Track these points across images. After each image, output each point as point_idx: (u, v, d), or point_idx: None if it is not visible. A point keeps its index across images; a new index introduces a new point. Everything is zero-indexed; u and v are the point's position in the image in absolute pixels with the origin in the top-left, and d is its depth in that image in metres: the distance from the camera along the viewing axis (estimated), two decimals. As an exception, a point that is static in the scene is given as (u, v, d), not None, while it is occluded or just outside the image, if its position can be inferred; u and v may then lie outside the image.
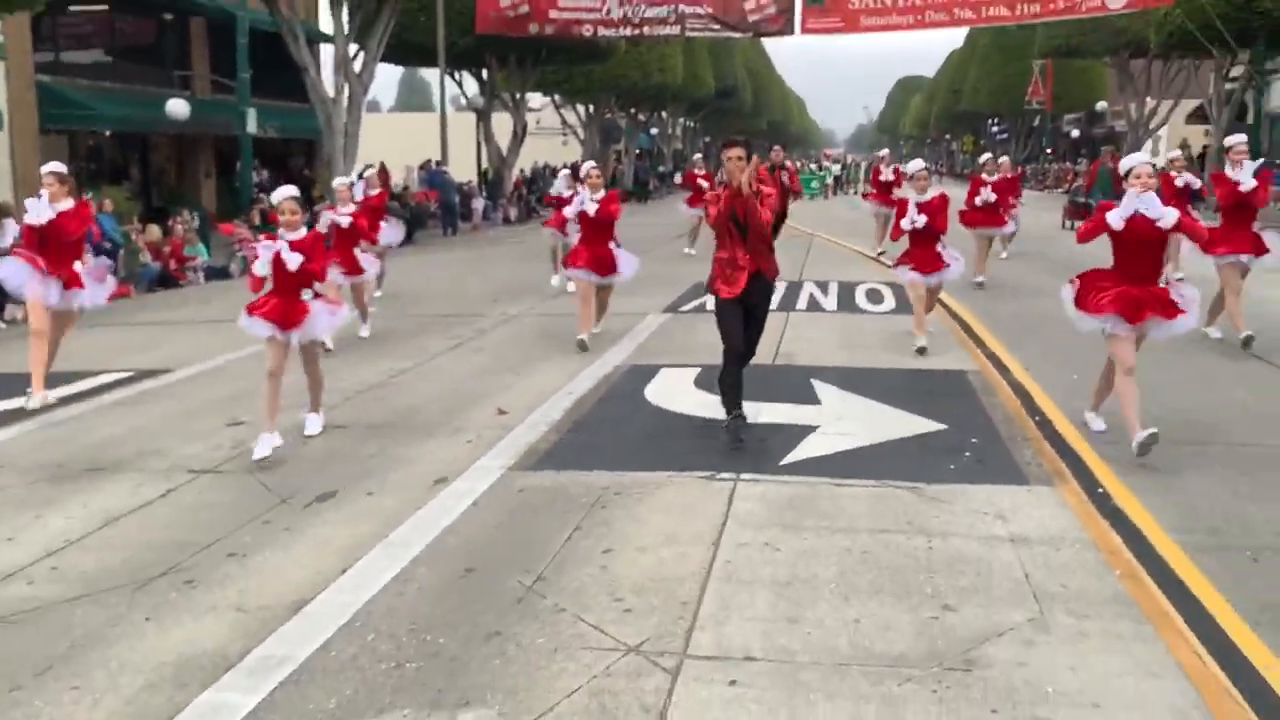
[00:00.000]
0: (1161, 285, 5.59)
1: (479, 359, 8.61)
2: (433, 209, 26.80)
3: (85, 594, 4.06)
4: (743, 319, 5.86)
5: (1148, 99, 34.91)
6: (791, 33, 26.48)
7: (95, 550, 4.53)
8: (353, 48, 22.24)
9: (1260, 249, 8.16)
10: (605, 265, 8.83)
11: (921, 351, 8.15)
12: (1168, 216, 5.33)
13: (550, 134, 45.16)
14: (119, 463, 5.82)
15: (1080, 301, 5.64)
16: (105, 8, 23.33)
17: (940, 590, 3.87)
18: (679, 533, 4.50)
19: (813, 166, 46.07)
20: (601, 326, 9.16)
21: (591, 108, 40.25)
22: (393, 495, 5.13)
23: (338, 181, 10.21)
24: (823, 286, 12.36)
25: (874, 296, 11.60)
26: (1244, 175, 8.18)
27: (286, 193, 6.13)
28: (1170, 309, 5.49)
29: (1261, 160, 9.31)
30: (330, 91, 22.12)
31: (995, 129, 65.81)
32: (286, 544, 4.54)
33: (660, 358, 8.29)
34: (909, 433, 6.02)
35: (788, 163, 12.41)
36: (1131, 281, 5.49)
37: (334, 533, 4.66)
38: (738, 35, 29.76)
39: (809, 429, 6.10)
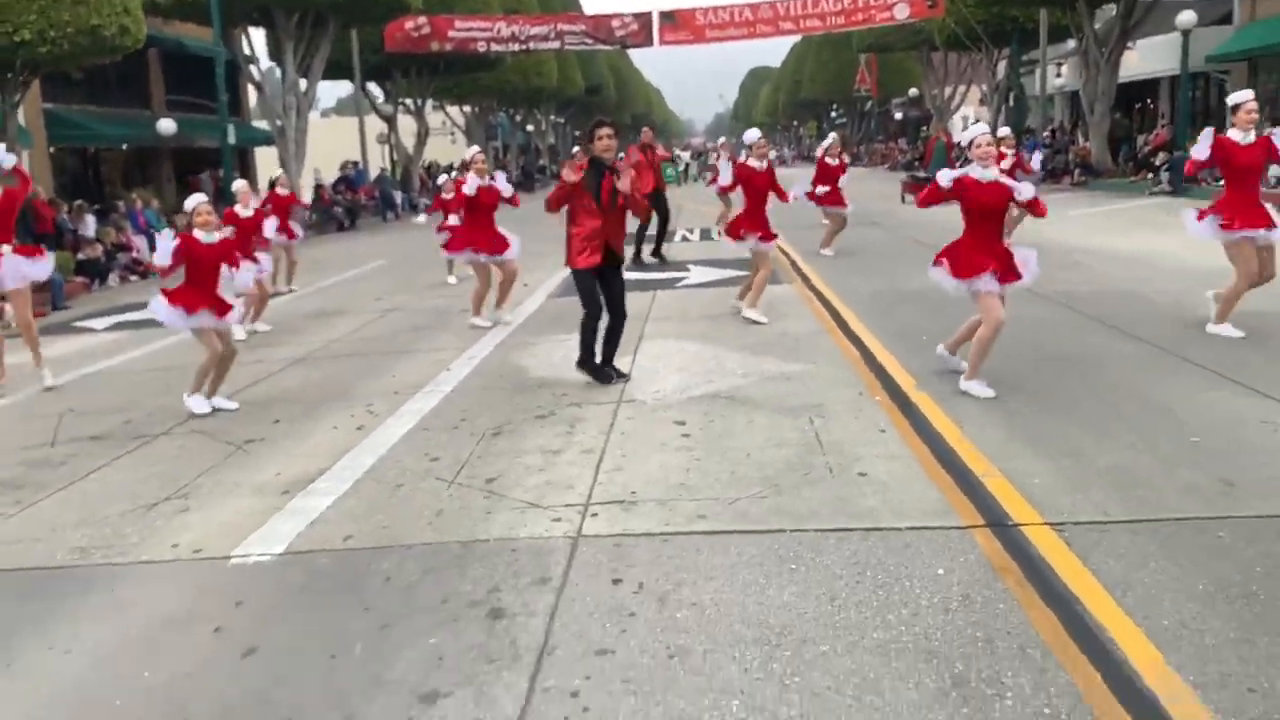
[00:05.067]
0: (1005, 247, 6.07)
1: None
2: (363, 202, 31.97)
3: (360, 353, 9.65)
4: (599, 284, 6.62)
5: (948, 86, 42.67)
6: (652, 44, 32.73)
7: (357, 339, 10.19)
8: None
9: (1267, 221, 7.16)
10: (497, 245, 9.67)
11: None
12: (1025, 191, 5.89)
13: (438, 133, 50.33)
14: (338, 311, 11.41)
15: (955, 270, 6.02)
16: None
17: (740, 323, 9.91)
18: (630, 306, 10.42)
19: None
20: (509, 306, 10.41)
21: (477, 109, 45.64)
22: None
23: (236, 185, 11.13)
24: (690, 230, 18.78)
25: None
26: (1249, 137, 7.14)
27: (199, 199, 6.81)
28: (1014, 272, 5.98)
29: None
30: (279, 108, 27.07)
31: (835, 114, 73.08)
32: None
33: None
34: (735, 275, 12.09)
35: (658, 146, 17.38)
36: (982, 244, 5.99)
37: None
38: (607, 48, 35.79)
39: (685, 278, 12.21)
